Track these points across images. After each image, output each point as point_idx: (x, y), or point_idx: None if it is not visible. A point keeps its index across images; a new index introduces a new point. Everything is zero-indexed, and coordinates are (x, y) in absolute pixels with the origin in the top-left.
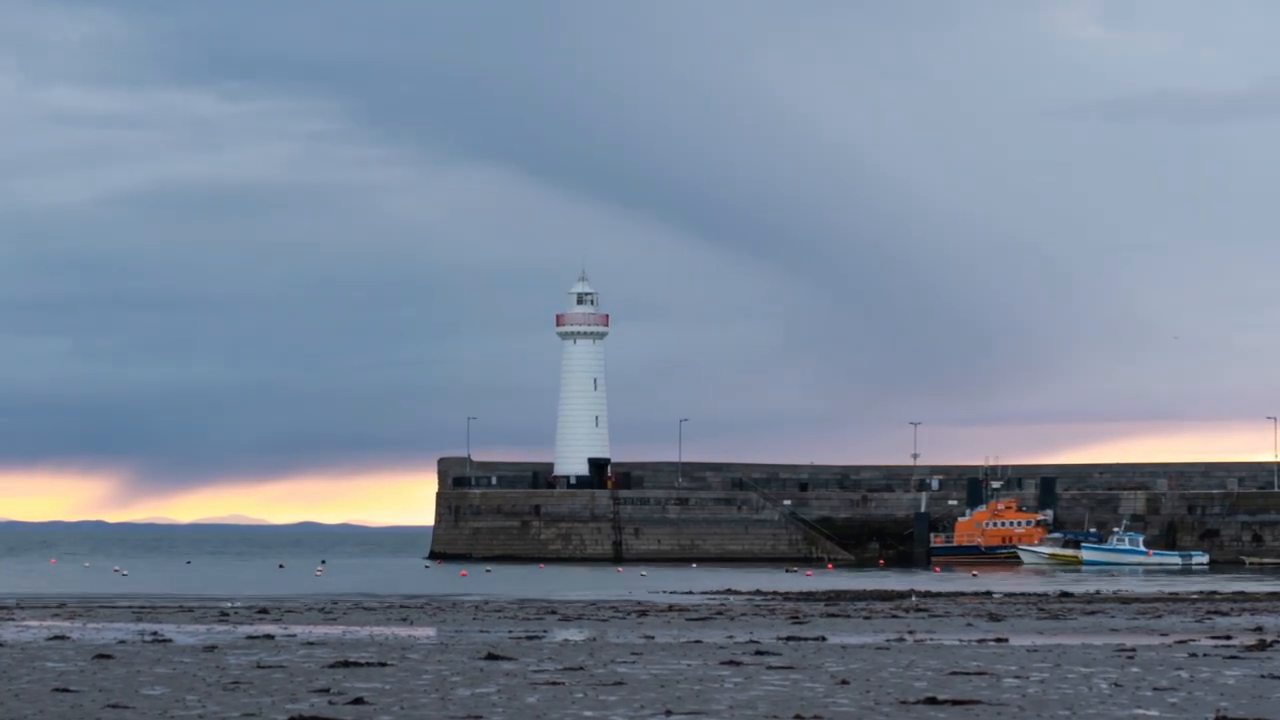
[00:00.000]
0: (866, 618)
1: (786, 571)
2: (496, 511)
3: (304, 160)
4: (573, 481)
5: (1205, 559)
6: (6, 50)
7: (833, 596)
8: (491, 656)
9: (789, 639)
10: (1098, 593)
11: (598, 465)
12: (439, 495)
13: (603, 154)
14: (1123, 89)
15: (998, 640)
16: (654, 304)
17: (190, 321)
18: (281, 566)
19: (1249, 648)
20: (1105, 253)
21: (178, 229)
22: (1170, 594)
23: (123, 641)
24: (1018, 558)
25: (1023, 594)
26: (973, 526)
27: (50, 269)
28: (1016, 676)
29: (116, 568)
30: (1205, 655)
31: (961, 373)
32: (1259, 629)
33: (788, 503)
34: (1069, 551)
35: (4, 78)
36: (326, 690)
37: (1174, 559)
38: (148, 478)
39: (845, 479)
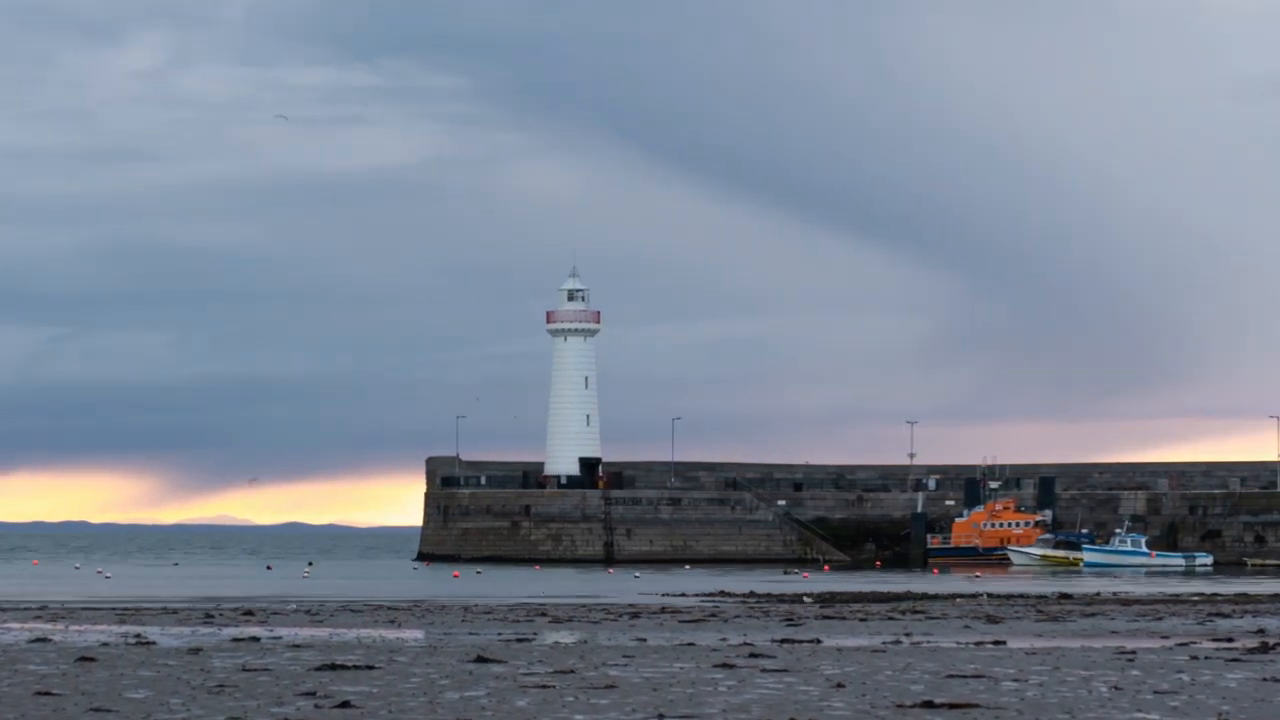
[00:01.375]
0: (862, 620)
1: (784, 573)
2: (486, 512)
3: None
4: (563, 481)
5: (1209, 560)
6: (167, 26)
7: (827, 598)
8: (481, 659)
9: (783, 641)
10: (1098, 594)
11: (589, 465)
12: (427, 495)
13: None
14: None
15: (995, 643)
16: (652, 300)
17: (219, 318)
18: (269, 568)
19: (1251, 650)
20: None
21: (261, 219)
22: (1171, 595)
23: (106, 644)
24: (1009, 559)
25: (1021, 595)
26: (970, 527)
27: (149, 259)
28: (1015, 679)
29: (99, 569)
30: (1207, 658)
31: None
32: (1261, 631)
33: (782, 503)
34: (1061, 553)
35: (151, 56)
36: (313, 694)
37: (1177, 560)
38: (146, 482)
39: (840, 479)
